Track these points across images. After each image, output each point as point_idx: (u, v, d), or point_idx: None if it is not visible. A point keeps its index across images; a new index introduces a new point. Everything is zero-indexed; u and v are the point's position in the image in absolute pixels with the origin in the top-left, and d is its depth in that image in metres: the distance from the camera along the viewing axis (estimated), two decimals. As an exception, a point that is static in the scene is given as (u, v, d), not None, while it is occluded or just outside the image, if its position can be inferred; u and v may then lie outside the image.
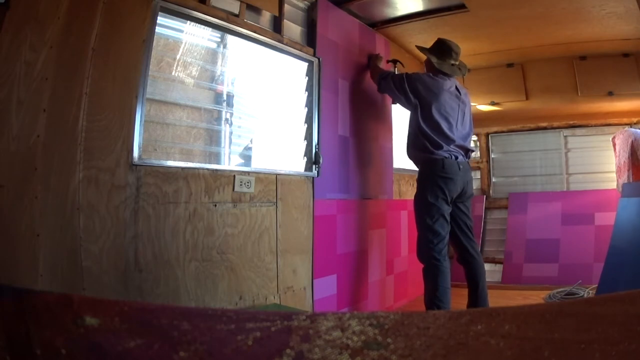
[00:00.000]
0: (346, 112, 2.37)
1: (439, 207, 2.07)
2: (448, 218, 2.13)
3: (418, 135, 2.17)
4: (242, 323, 0.56)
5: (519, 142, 3.76)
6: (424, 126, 2.14)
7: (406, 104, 2.25)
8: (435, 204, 2.07)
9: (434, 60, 2.23)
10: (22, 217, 1.15)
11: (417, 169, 2.26)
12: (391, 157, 2.78)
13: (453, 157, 2.13)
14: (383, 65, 2.58)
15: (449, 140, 2.14)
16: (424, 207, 2.11)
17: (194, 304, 1.55)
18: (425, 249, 2.07)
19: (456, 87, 2.26)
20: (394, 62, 2.68)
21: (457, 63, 2.28)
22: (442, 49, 2.25)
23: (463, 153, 2.21)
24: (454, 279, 3.01)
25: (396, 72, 2.64)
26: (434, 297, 2.01)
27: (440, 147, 2.11)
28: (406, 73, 2.32)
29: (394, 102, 2.61)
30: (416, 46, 2.46)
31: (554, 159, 3.63)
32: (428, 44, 2.84)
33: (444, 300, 2.00)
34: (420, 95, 2.17)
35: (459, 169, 2.13)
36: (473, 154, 3.63)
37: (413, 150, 2.24)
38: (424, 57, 2.37)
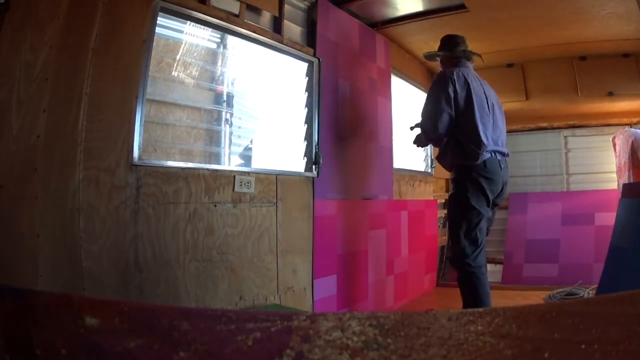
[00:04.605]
0: (346, 112, 2.37)
1: (480, 210, 1.90)
2: (487, 224, 1.98)
3: (458, 138, 1.95)
4: (242, 323, 0.56)
5: (519, 143, 3.76)
6: (465, 125, 1.93)
7: (451, 113, 1.95)
8: (477, 208, 1.89)
9: (448, 53, 2.11)
10: (22, 218, 1.15)
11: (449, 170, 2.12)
12: (391, 157, 2.78)
13: (494, 154, 1.94)
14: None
15: (488, 137, 1.93)
16: (464, 209, 1.92)
17: (194, 304, 1.55)
18: (461, 257, 1.90)
19: (477, 77, 2.07)
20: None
21: (468, 49, 2.14)
22: (448, 41, 2.13)
23: (503, 151, 2.02)
24: (452, 279, 3.01)
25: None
26: (476, 306, 1.81)
27: (483, 146, 1.89)
28: (435, 84, 2.04)
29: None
30: (424, 54, 2.36)
31: (554, 159, 3.63)
32: (428, 44, 2.84)
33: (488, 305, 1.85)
34: (455, 93, 1.93)
35: (500, 168, 1.96)
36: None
37: (451, 156, 2.01)
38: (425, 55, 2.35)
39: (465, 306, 1.91)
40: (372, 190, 2.56)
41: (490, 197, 1.94)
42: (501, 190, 2.00)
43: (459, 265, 1.94)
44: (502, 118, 2.13)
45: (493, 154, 1.94)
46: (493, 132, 1.98)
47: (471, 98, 1.92)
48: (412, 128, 2.23)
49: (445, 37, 2.19)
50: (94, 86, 1.31)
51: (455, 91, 1.93)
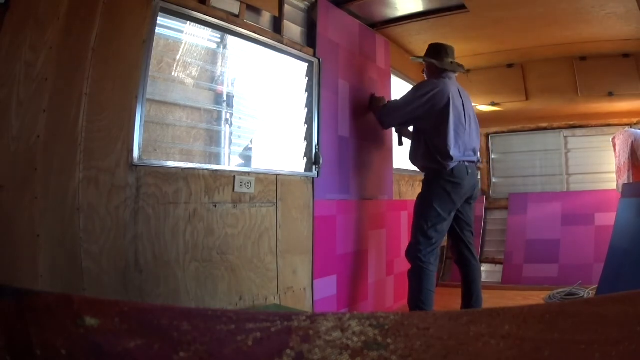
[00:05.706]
0: (346, 113, 2.37)
1: (440, 213, 2.05)
2: (447, 227, 2.11)
3: (429, 146, 2.11)
4: (242, 323, 0.56)
5: (519, 143, 3.77)
6: (436, 137, 2.09)
7: (421, 121, 2.16)
8: (437, 210, 2.05)
9: (434, 61, 2.21)
10: (22, 218, 1.15)
11: (421, 172, 2.25)
12: (391, 158, 2.78)
13: (462, 162, 2.10)
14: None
15: (459, 148, 2.09)
16: (425, 209, 2.09)
17: (194, 304, 1.55)
18: (414, 250, 2.07)
19: (458, 90, 2.20)
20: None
21: (455, 61, 2.26)
22: (438, 50, 2.23)
23: (472, 159, 2.17)
24: (452, 279, 3.01)
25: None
26: (417, 300, 2.03)
27: (450, 158, 2.04)
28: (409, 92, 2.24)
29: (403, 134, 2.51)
30: (411, 58, 2.49)
31: (554, 160, 3.64)
32: (428, 44, 2.84)
33: (427, 303, 2.01)
34: (432, 106, 2.09)
35: (467, 173, 2.10)
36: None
37: (421, 160, 2.18)
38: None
39: (409, 295, 2.09)
40: (372, 190, 2.56)
41: (456, 200, 2.10)
42: (470, 195, 2.18)
43: (411, 258, 2.09)
44: (477, 128, 2.30)
45: (461, 162, 2.10)
46: (468, 143, 2.15)
47: (448, 113, 2.06)
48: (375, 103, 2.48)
49: (434, 45, 2.29)
50: (94, 86, 1.31)
51: (431, 104, 2.09)
